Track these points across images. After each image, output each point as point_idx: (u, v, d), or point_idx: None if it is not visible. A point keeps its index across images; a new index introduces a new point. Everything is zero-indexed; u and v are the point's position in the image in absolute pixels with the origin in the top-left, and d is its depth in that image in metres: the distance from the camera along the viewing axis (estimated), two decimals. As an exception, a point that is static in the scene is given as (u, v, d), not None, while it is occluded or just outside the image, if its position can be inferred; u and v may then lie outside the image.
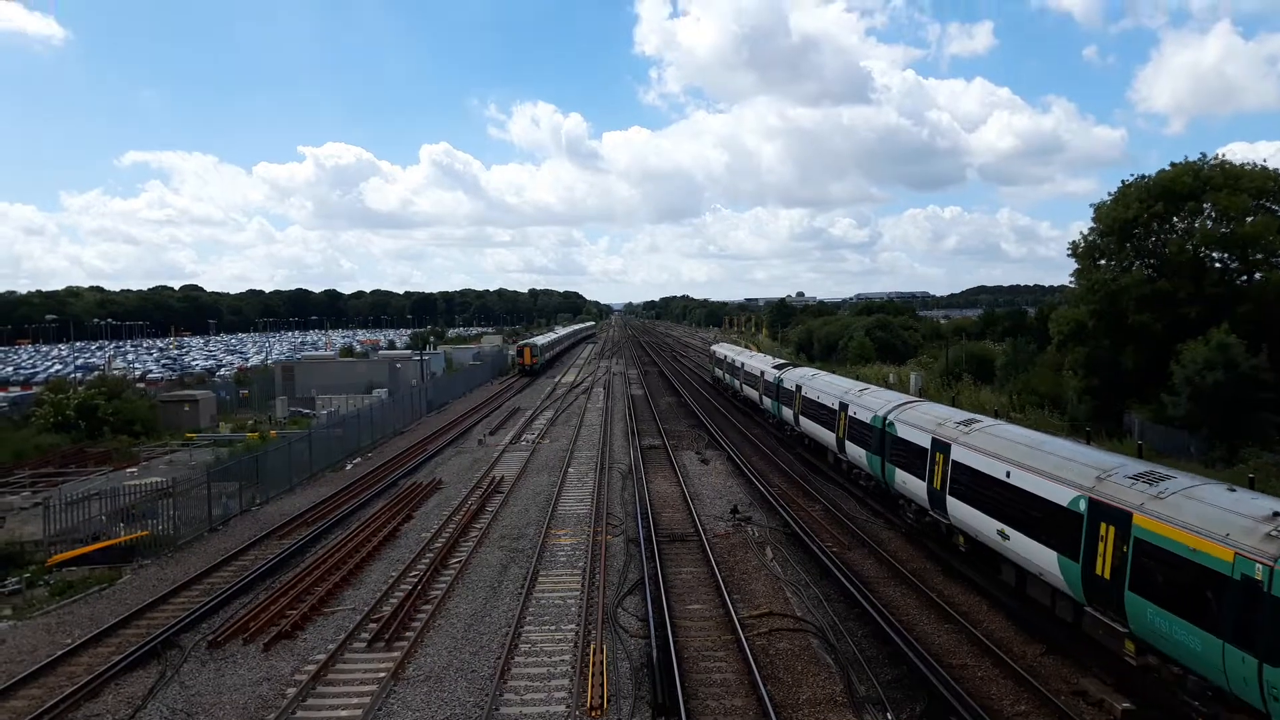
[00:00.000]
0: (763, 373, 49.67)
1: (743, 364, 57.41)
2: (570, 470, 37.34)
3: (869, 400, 30.53)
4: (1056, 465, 17.89)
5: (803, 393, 39.00)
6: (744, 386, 56.23)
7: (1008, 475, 19.08)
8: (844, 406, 32.21)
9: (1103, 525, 15.57)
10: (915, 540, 25.31)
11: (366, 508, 31.27)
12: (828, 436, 34.53)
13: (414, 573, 23.09)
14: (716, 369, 70.72)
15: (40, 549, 25.68)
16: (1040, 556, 17.62)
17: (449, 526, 27.97)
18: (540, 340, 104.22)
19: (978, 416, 24.25)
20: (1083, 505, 16.23)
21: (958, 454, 21.84)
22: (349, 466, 40.53)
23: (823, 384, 37.79)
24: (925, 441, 23.93)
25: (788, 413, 42.30)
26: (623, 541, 25.98)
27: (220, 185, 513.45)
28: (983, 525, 20.30)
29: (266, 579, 23.08)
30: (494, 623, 19.57)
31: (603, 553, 24.50)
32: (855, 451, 30.67)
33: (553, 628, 19.19)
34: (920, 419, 25.43)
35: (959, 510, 21.69)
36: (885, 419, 27.39)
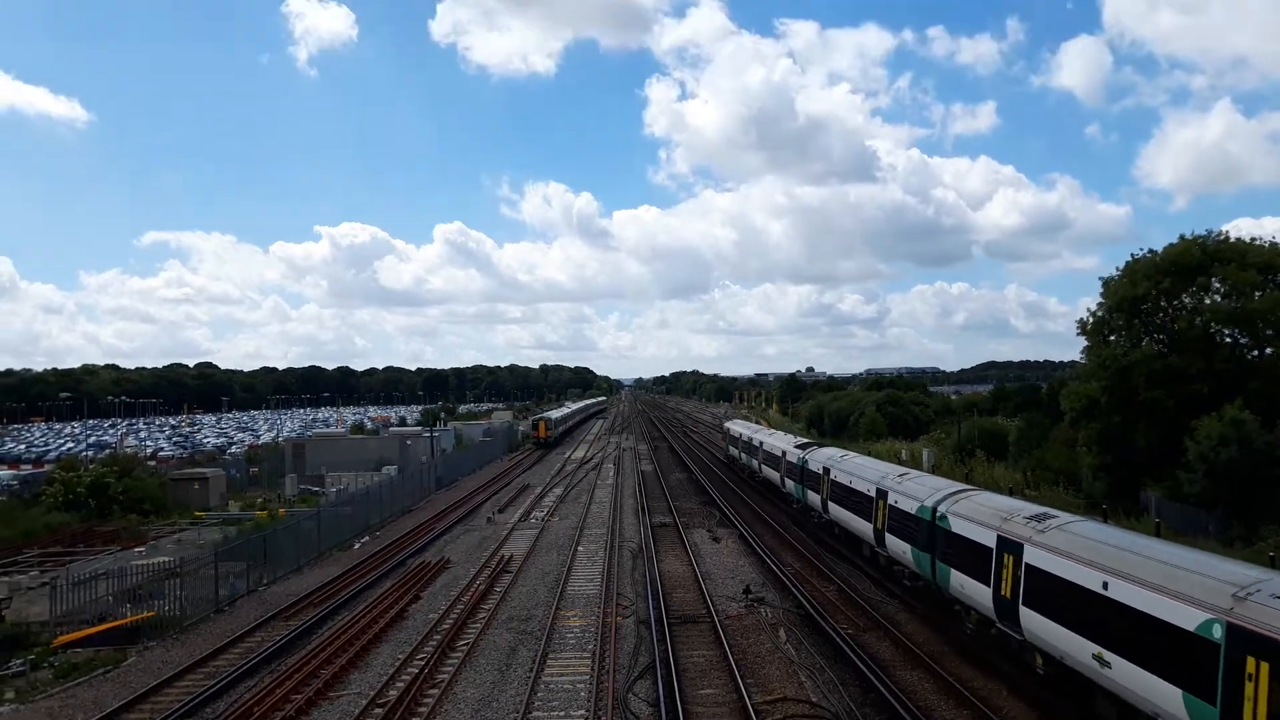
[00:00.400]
0: (784, 453, 46.05)
1: (761, 442, 53.79)
2: (580, 549, 36.98)
3: (913, 487, 27.27)
4: (1171, 576, 14.72)
5: (832, 476, 35.71)
6: (762, 467, 52.51)
7: (1105, 586, 15.84)
8: (882, 494, 28.84)
9: (1251, 661, 12.22)
10: (931, 622, 24.84)
11: (374, 587, 30.96)
12: (863, 527, 31.15)
13: (421, 655, 22.73)
14: (731, 448, 66.81)
15: (46, 630, 25.45)
16: (1157, 692, 14.30)
17: (457, 607, 27.60)
18: (554, 414, 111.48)
19: (1051, 510, 21.20)
20: (1218, 632, 13.01)
21: (1033, 556, 18.63)
22: (357, 545, 40.25)
23: (855, 467, 34.42)
24: (988, 539, 20.75)
25: (814, 498, 38.81)
26: (633, 623, 25.58)
27: (237, 264, 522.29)
28: (1071, 646, 17.02)
29: (272, 661, 22.76)
30: (502, 707, 19.18)
31: (613, 635, 24.10)
32: (898, 546, 27.35)
33: (562, 713, 18.78)
34: (979, 512, 22.28)
35: (1037, 625, 18.31)
36: (935, 510, 24.15)
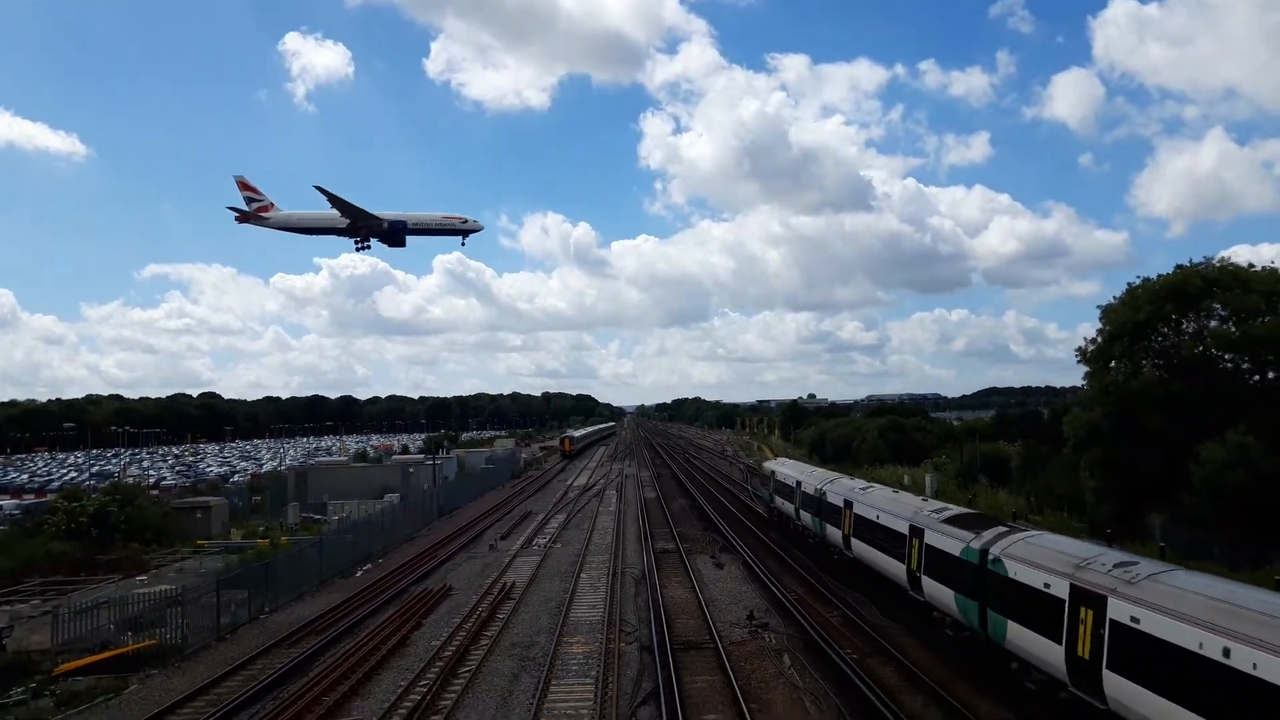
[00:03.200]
0: (799, 483, 42.43)
1: (773, 471, 50.31)
2: (583, 575, 36.85)
3: (954, 527, 24.35)
4: None
5: (855, 510, 32.68)
6: (774, 497, 48.35)
7: (1226, 654, 13.26)
8: (918, 532, 26.07)
9: None
10: (937, 647, 24.68)
11: (376, 615, 30.85)
12: (893, 568, 28.28)
13: (423, 682, 22.62)
14: (757, 484, 56.63)
15: (47, 658, 25.39)
16: None
17: (459, 634, 27.49)
18: (575, 434, 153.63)
19: (1133, 557, 18.74)
20: None
21: (1123, 611, 15.84)
22: (359, 573, 40.13)
23: (882, 500, 31.49)
24: (1059, 589, 17.90)
25: (834, 533, 35.66)
26: (636, 649, 25.46)
27: (238, 295, 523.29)
28: None
29: (274, 689, 22.65)
30: (505, 735, 19.07)
31: (616, 661, 23.99)
32: (938, 591, 24.48)
33: (565, 740, 18.67)
34: (1043, 556, 19.41)
35: (1131, 695, 15.58)
36: (986, 552, 21.44)
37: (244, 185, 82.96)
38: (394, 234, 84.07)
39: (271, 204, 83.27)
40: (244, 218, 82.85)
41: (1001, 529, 23.04)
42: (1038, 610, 18.57)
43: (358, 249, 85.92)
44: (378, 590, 35.01)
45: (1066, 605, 17.60)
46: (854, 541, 32.74)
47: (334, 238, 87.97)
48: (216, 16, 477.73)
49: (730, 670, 22.73)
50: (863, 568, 32.62)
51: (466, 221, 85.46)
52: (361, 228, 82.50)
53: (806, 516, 40.78)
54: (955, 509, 27.56)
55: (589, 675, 22.99)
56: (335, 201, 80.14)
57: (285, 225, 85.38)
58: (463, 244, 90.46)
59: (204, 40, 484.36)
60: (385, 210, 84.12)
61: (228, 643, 27.98)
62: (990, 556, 21.15)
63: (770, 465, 54.99)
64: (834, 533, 35.69)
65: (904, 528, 27.34)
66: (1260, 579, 26.10)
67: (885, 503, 30.91)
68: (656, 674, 22.72)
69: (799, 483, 42.78)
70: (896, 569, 27.91)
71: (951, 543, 23.52)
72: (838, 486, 37.07)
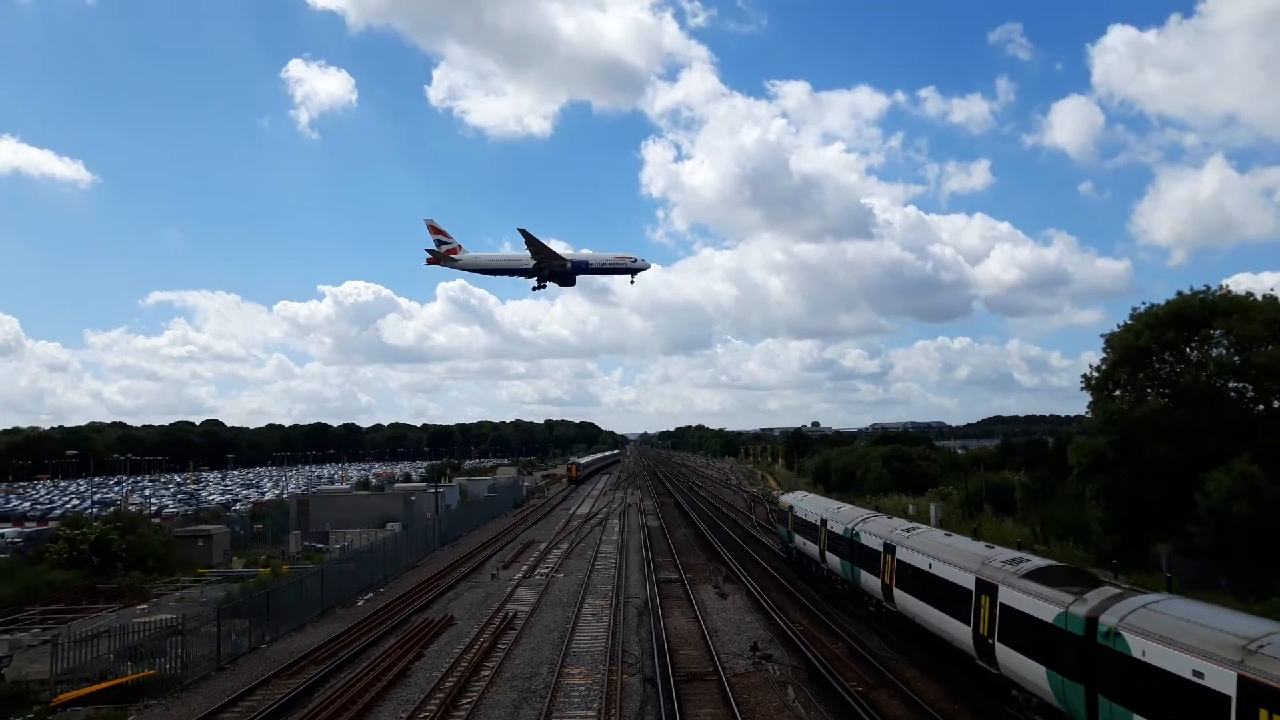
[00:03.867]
0: (824, 521, 38.12)
1: (791, 506, 44.99)
2: (585, 605, 36.62)
3: (1042, 585, 19.71)
4: None
5: (898, 556, 28.29)
6: (793, 535, 43.75)
7: None
8: (988, 588, 21.66)
9: None
10: (944, 680, 24.45)
11: (377, 645, 30.66)
12: (953, 630, 23.71)
13: (424, 714, 22.45)
14: (787, 527, 46.20)
15: (46, 688, 25.22)
16: None
17: (460, 665, 27.30)
18: (582, 460, 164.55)
19: None
20: None
21: None
22: (361, 602, 39.92)
23: (934, 545, 26.63)
24: (1219, 682, 13.52)
25: (870, 582, 31.16)
26: (639, 681, 25.25)
27: (241, 322, 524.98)
28: None
29: (273, 721, 22.47)
30: (506, 768, 18.87)
31: (618, 693, 23.79)
32: (1020, 665, 19.88)
33: (566, 773, 18.48)
34: (1187, 632, 14.88)
35: None
36: (1096, 623, 16.97)
37: (434, 229, 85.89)
38: (572, 273, 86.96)
39: (459, 246, 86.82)
40: (434, 259, 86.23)
41: (1111, 590, 18.43)
42: (1187, 707, 14.25)
43: (534, 289, 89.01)
44: (379, 620, 34.81)
45: (1234, 705, 13.28)
46: (898, 594, 28.28)
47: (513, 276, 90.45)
48: (220, 44, 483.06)
49: (734, 703, 22.53)
50: (907, 624, 27.87)
51: (637, 261, 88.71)
52: (544, 268, 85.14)
53: (835, 560, 36.21)
54: (1035, 560, 22.83)
55: (591, 707, 22.78)
56: (532, 243, 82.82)
57: (473, 266, 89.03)
58: (631, 282, 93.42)
59: (208, 67, 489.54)
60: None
61: (228, 673, 27.79)
62: (1103, 628, 16.71)
63: (788, 500, 48.17)
64: (870, 581, 31.22)
65: (968, 581, 22.93)
66: (1269, 611, 25.90)
67: (939, 549, 26.17)
68: (659, 706, 22.52)
69: (824, 520, 38.19)
70: (957, 631, 23.38)
71: (1040, 605, 19.09)
72: (874, 526, 32.55)
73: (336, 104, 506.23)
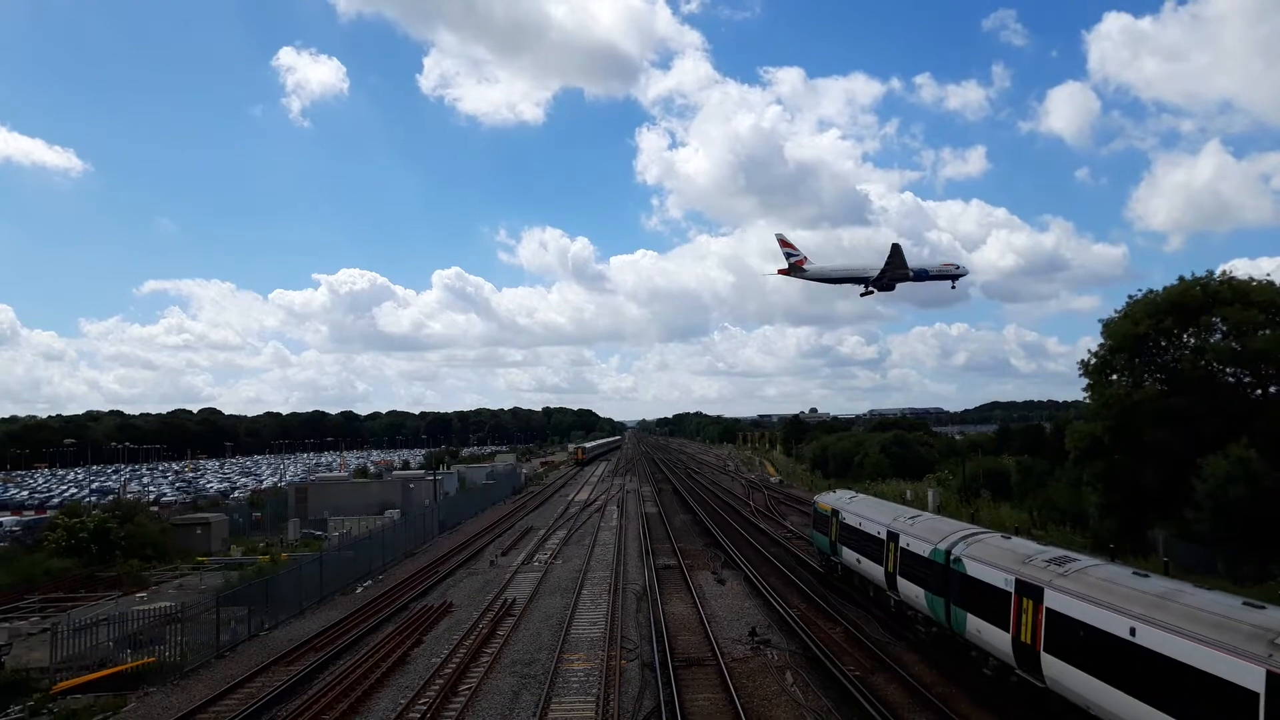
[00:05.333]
0: (893, 535, 28.42)
1: (835, 511, 35.57)
2: (584, 592, 36.70)
3: (1248, 637, 13.62)
4: None
5: (1049, 604, 18.66)
6: (840, 548, 34.83)
7: None
8: None
9: None
10: (941, 664, 24.52)
11: (376, 632, 30.71)
12: (1111, 701, 16.38)
13: (423, 700, 22.50)
14: (829, 536, 36.53)
15: (46, 676, 25.27)
16: None
17: (459, 651, 27.36)
18: (588, 445, 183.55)
19: None
20: None
21: None
22: (359, 589, 39.98)
23: (1115, 591, 17.13)
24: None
25: (995, 636, 20.92)
26: (638, 666, 25.32)
27: (237, 311, 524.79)
28: None
29: (273, 707, 22.52)
30: (505, 753, 18.92)
31: (617, 678, 23.86)
32: None
33: (566, 758, 18.53)
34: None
35: None
36: None
37: (784, 242, 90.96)
38: (895, 282, 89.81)
39: (805, 258, 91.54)
40: (786, 271, 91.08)
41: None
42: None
43: (862, 294, 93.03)
44: (378, 607, 34.87)
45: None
46: (1052, 663, 18.41)
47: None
48: (210, 31, 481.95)
49: (732, 688, 22.59)
50: (1069, 706, 18.23)
51: (959, 268, 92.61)
52: (888, 278, 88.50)
53: (915, 592, 26.15)
54: (1243, 605, 15.12)
55: (590, 693, 22.85)
56: (897, 257, 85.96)
57: (819, 276, 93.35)
58: (953, 287, 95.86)
59: (199, 55, 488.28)
60: None
61: (227, 660, 27.84)
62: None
63: (830, 501, 37.94)
64: (993, 635, 21.04)
65: (1122, 628, 15.98)
66: (1264, 594, 25.99)
67: (1122, 596, 16.79)
68: (658, 691, 22.59)
69: (893, 534, 28.47)
70: (1114, 702, 16.28)
71: None
72: (987, 550, 22.38)
73: (328, 92, 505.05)
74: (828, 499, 39.07)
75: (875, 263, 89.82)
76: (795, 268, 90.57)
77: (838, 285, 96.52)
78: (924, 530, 26.81)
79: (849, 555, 33.85)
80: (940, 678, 23.54)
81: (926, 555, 25.22)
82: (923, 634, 26.36)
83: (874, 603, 31.48)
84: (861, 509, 33.95)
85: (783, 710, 21.27)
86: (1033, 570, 19.87)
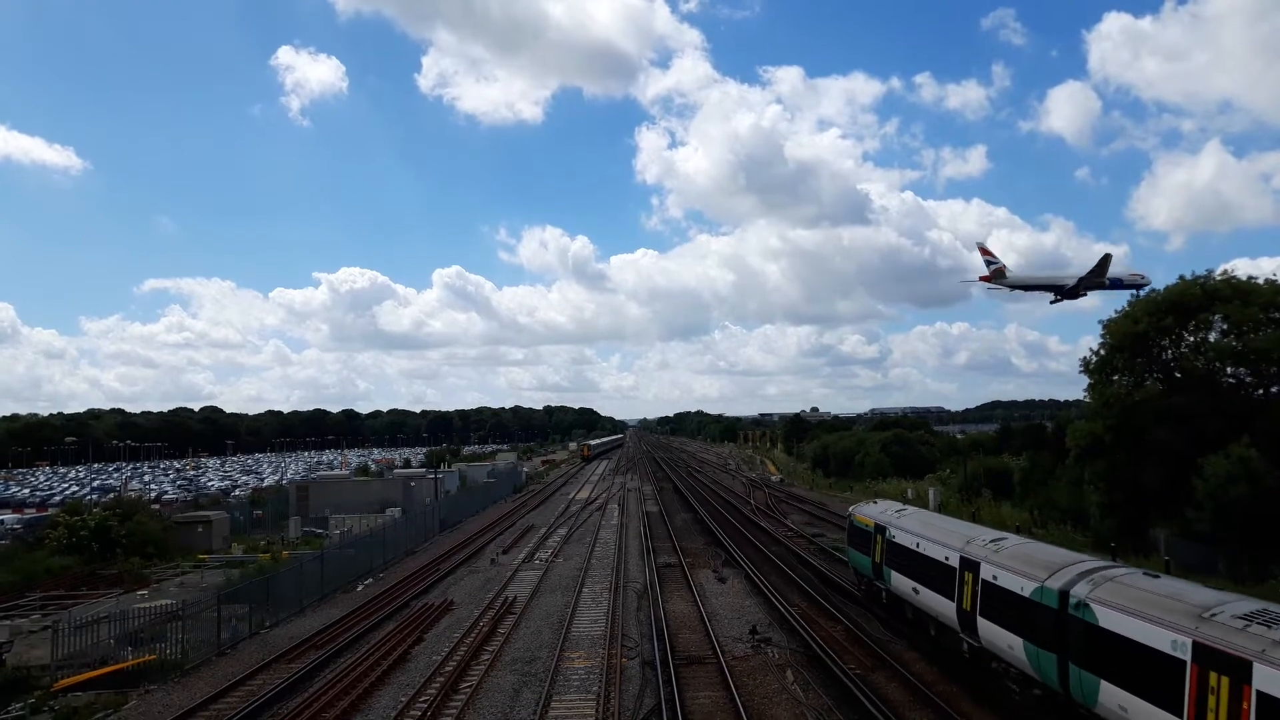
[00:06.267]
0: (973, 563, 22.29)
1: (882, 528, 29.55)
2: (584, 590, 36.71)
3: None
4: None
5: (1260, 685, 12.53)
6: (890, 572, 28.60)
7: None
8: None
9: None
10: (941, 662, 24.51)
11: (377, 630, 30.73)
12: None
13: (424, 698, 22.51)
14: (872, 558, 30.59)
15: (47, 673, 25.29)
16: None
17: (460, 649, 27.38)
18: (593, 442, 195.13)
19: None
20: None
21: None
22: (360, 587, 40.01)
23: None
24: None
25: (1143, 712, 15.03)
26: (638, 664, 25.33)
27: (238, 309, 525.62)
28: None
29: (274, 705, 22.54)
30: (506, 751, 18.93)
31: (618, 676, 23.87)
32: None
33: (566, 756, 18.53)
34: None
35: None
36: None
37: (984, 251, 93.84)
38: (1089, 290, 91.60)
39: (1004, 266, 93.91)
40: (987, 279, 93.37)
41: None
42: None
43: (1052, 302, 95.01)
44: (379, 605, 34.89)
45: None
46: None
47: None
48: (210, 30, 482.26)
49: (733, 686, 22.61)
50: None
51: (1143, 277, 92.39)
52: (1084, 285, 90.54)
53: (1006, 639, 20.13)
54: None
55: (590, 691, 22.86)
56: (1102, 268, 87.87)
57: (1017, 284, 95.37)
58: (1137, 295, 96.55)
59: (198, 54, 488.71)
60: None
61: (228, 658, 27.86)
62: None
63: (872, 515, 31.61)
64: (1143, 712, 15.05)
65: None
66: (1264, 593, 25.97)
67: None
68: (658, 689, 22.60)
69: (969, 561, 22.48)
70: None
71: None
72: (1132, 595, 16.26)
73: (327, 91, 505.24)
74: (868, 511, 32.69)
75: (1076, 272, 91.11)
76: (997, 274, 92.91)
77: (1028, 291, 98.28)
78: (1017, 559, 20.61)
79: (901, 583, 27.58)
80: (941, 676, 23.54)
81: (1026, 595, 19.10)
82: (1015, 695, 20.38)
83: (936, 644, 25.29)
84: (917, 526, 27.61)
85: (783, 708, 21.28)
86: (1223, 633, 13.36)
